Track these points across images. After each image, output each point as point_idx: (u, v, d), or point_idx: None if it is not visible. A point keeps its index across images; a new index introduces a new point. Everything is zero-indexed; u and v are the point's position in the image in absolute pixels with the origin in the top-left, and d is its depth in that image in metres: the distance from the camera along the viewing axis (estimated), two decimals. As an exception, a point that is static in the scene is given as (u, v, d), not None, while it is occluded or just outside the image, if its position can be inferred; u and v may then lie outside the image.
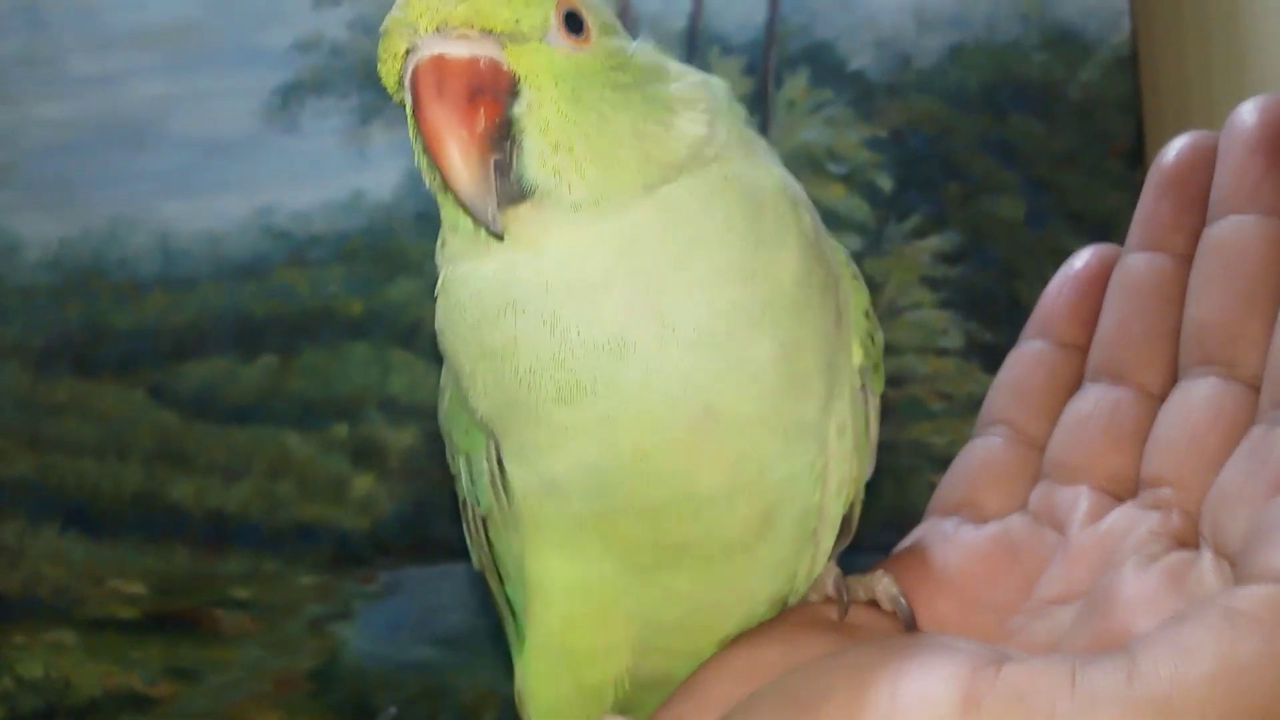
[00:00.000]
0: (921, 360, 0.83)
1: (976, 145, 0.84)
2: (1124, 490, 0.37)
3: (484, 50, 0.36)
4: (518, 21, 0.36)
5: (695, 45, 0.87)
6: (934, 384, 0.83)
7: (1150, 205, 0.39)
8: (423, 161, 0.38)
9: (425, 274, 0.84)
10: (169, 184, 0.89)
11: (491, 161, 0.36)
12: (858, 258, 0.87)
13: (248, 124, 0.88)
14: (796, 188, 0.41)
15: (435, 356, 0.85)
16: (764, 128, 0.86)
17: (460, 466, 0.44)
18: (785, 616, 0.39)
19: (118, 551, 0.84)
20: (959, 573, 0.39)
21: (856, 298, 0.42)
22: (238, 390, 0.85)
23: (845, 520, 0.43)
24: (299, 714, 0.82)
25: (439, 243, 0.43)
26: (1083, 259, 0.41)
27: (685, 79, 0.39)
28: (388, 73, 0.38)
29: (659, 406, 0.36)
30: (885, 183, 0.84)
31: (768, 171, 0.39)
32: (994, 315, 0.83)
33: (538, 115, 0.36)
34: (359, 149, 0.87)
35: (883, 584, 0.39)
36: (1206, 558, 0.32)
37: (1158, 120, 0.85)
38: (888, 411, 0.84)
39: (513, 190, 0.36)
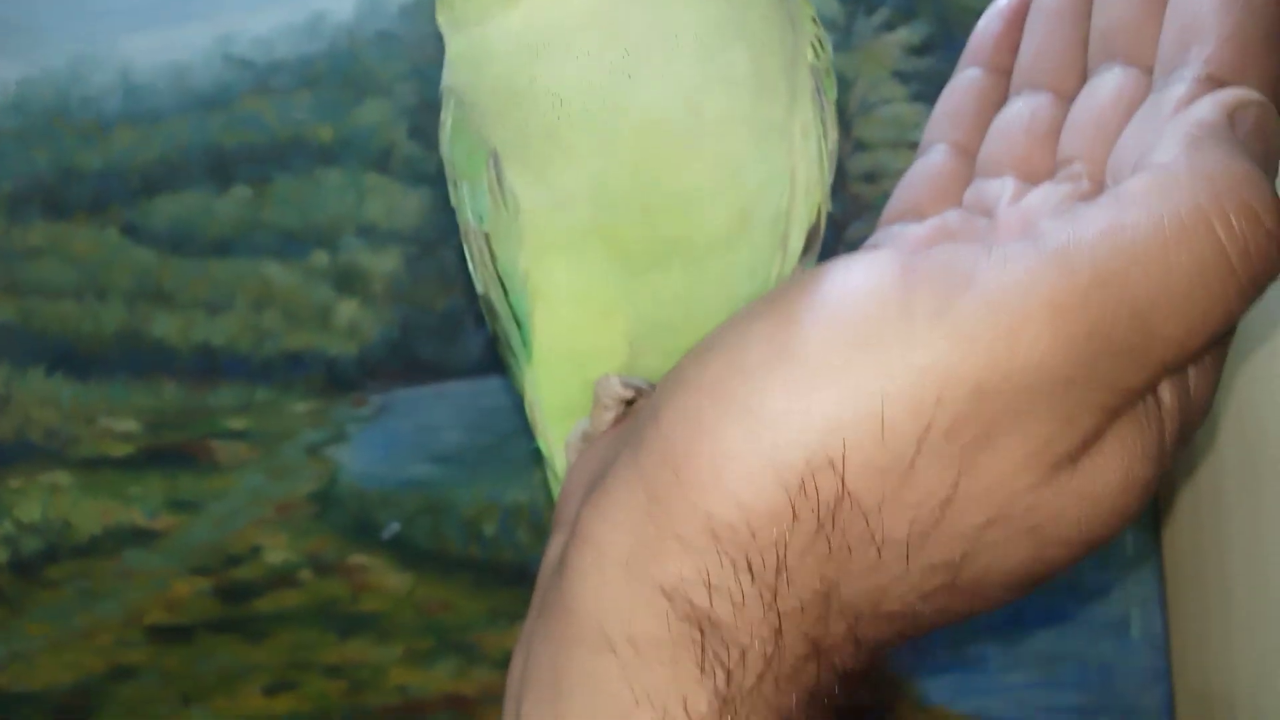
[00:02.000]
0: (895, 156, 0.84)
1: (944, -67, 0.83)
2: (1044, 177, 0.43)
3: None
4: None
5: None
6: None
7: None
8: None
9: (394, 96, 0.84)
10: (129, 18, 0.87)
11: None
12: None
13: (203, -50, 0.86)
14: None
15: (410, 180, 0.85)
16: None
17: (462, 194, 0.46)
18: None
19: (107, 390, 0.84)
20: None
21: (804, 5, 0.45)
22: (213, 223, 0.85)
23: (813, 230, 0.47)
24: (303, 536, 0.83)
25: (439, 17, 0.43)
26: (1004, 3, 0.46)
27: None
28: None
29: (660, 116, 0.39)
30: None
31: None
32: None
33: None
34: (318, -30, 0.85)
35: None
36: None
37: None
38: (863, 209, 0.85)
39: None
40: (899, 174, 0.85)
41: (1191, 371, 0.36)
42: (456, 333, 0.83)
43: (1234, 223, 0.32)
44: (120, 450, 0.84)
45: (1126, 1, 0.41)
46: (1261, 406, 0.80)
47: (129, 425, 0.84)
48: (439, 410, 0.82)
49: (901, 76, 0.84)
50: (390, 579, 0.83)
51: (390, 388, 0.83)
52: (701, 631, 0.34)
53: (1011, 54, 0.46)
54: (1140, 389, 0.34)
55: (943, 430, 0.33)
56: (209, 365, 0.84)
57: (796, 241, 0.45)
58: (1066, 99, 0.43)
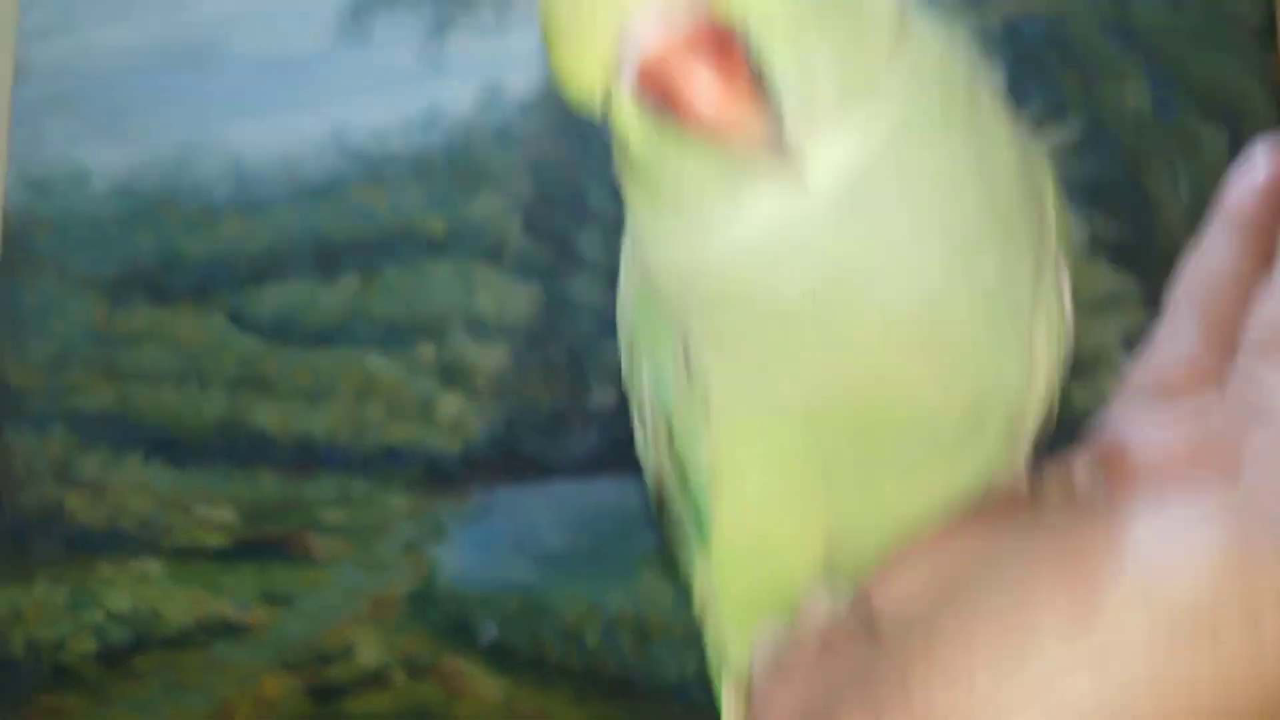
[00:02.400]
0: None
1: (1096, 29, 0.81)
2: None
3: (696, 4, 0.33)
4: None
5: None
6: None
7: None
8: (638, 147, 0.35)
9: (506, 189, 0.83)
10: (238, 105, 0.87)
11: (764, 104, 0.33)
12: None
13: (317, 39, 0.86)
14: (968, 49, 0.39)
15: (521, 274, 0.84)
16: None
17: (640, 368, 0.42)
18: (981, 507, 0.38)
19: (203, 479, 0.82)
20: (1161, 459, 0.37)
21: (1048, 181, 0.41)
22: (318, 313, 0.84)
23: (1049, 412, 0.42)
24: (397, 635, 0.81)
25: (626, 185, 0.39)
26: (1267, 163, 0.41)
27: None
28: (583, 81, 0.34)
29: (897, 322, 0.35)
30: (1000, 75, 0.82)
31: (954, 43, 0.37)
32: (1120, 208, 0.80)
33: (773, 41, 0.33)
34: (434, 62, 0.85)
35: (1080, 472, 0.37)
36: None
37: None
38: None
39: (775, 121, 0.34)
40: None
41: None
42: (562, 431, 0.81)
43: None
44: (214, 540, 0.82)
45: None
46: None
47: (225, 515, 0.82)
48: (541, 510, 0.80)
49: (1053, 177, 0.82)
50: (485, 685, 0.80)
51: (492, 485, 0.81)
52: None
53: (1271, 223, 0.40)
54: None
55: None
56: (308, 456, 0.82)
57: (1028, 439, 0.40)
58: None
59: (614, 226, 0.88)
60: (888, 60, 0.35)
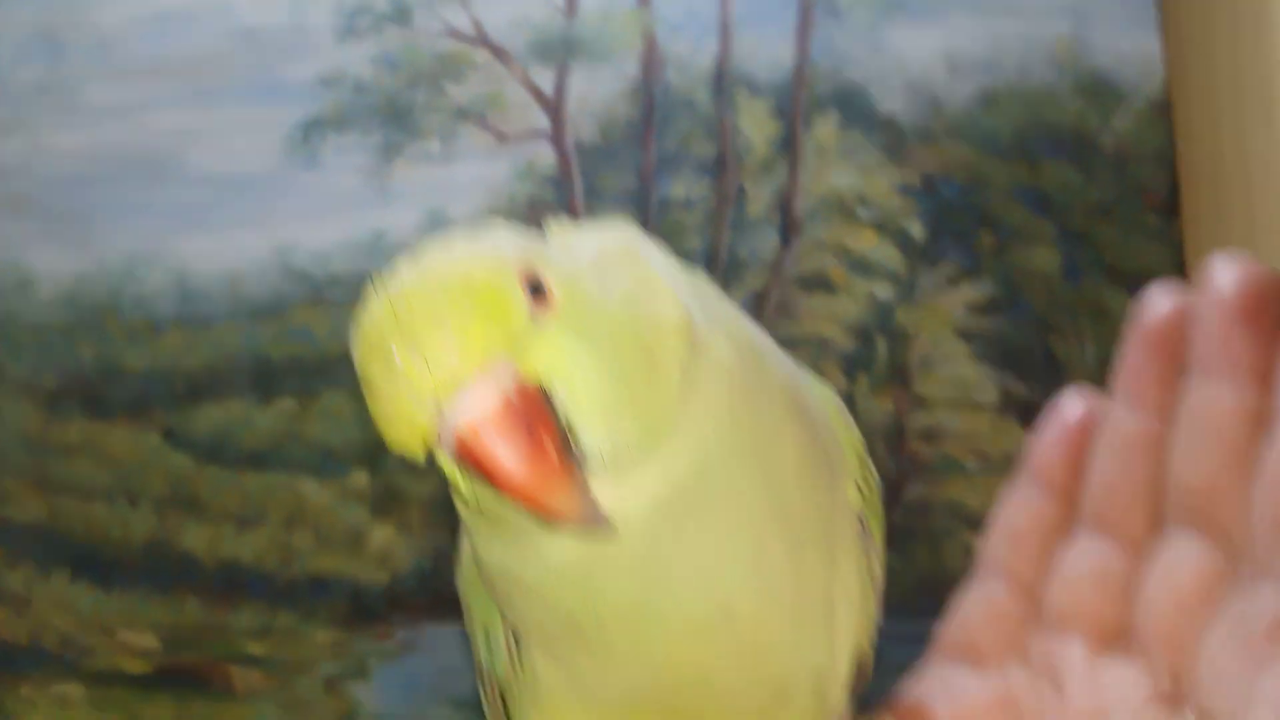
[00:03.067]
0: (954, 415, 0.82)
1: (1010, 194, 0.83)
2: (1115, 639, 0.39)
3: (504, 378, 0.36)
4: (511, 326, 0.36)
5: (722, 86, 0.85)
6: (968, 441, 0.81)
7: (1133, 362, 0.40)
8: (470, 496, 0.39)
9: (448, 319, 0.83)
10: (187, 219, 0.87)
11: (578, 474, 0.36)
12: (890, 307, 0.88)
13: (268, 159, 0.86)
14: (766, 345, 0.42)
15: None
16: (793, 172, 0.84)
17: (478, 634, 0.45)
18: None
19: (128, 601, 0.82)
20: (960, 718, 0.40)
21: (848, 437, 0.43)
22: (254, 435, 0.83)
23: (860, 669, 0.45)
24: (312, 776, 0.80)
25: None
26: (1072, 410, 0.42)
27: (622, 258, 0.39)
28: (404, 443, 0.39)
29: (694, 624, 0.38)
30: (917, 230, 0.83)
31: (743, 356, 0.40)
32: (1030, 369, 0.81)
33: (578, 393, 0.36)
34: (381, 187, 0.85)
35: None
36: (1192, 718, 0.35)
37: (1192, 171, 0.83)
38: (922, 470, 0.82)
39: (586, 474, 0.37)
40: (958, 435, 0.83)
41: None
42: (491, 569, 0.80)
43: None
44: (135, 666, 0.81)
45: (1207, 462, 0.38)
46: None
47: (147, 640, 0.81)
48: (465, 650, 0.79)
49: (964, 335, 0.82)
50: (399, 835, 0.79)
51: (418, 622, 0.81)
52: None
53: (1074, 476, 0.42)
54: None
55: None
56: (233, 582, 0.81)
57: (836, 697, 0.43)
58: (1137, 547, 0.40)
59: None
60: (682, 398, 0.37)
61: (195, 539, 0.82)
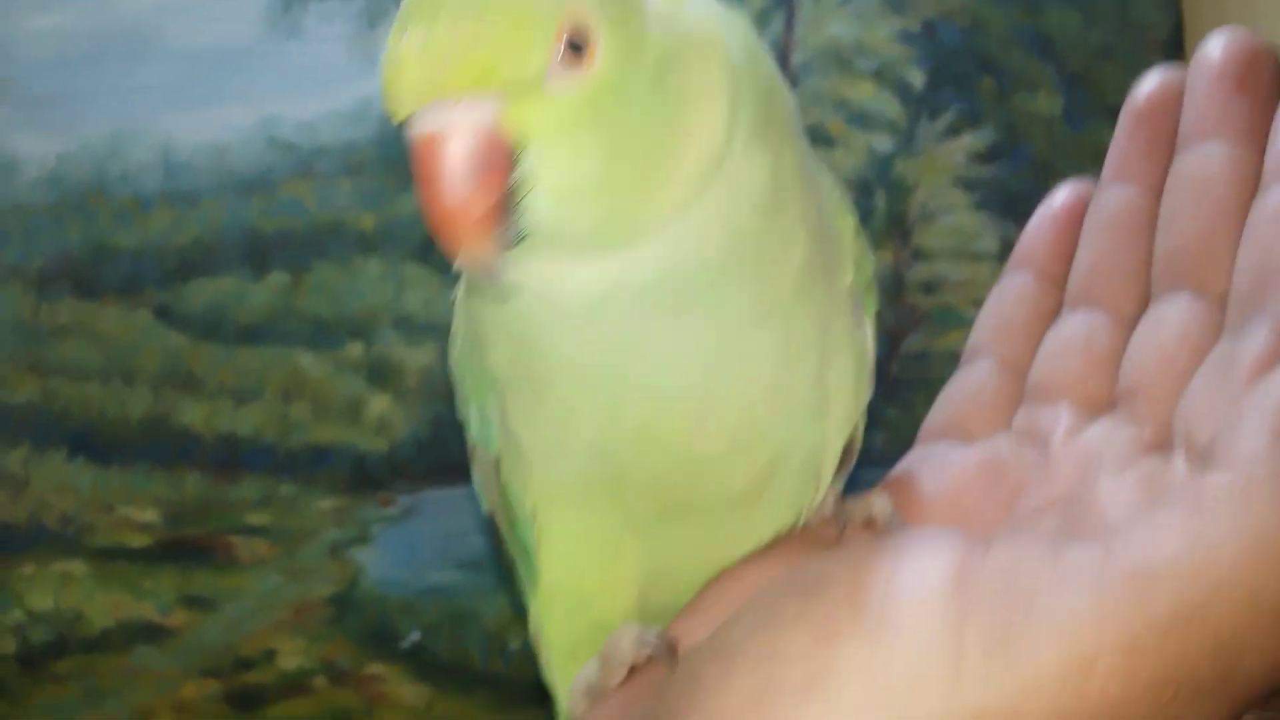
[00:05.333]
0: (955, 266, 0.80)
1: (1012, 38, 0.81)
2: (1102, 407, 0.40)
3: (483, 116, 0.34)
4: (517, 71, 0.34)
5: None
6: (968, 290, 0.80)
7: (1123, 140, 0.41)
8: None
9: (438, 185, 0.82)
10: (170, 96, 0.85)
11: (499, 232, 0.36)
12: (888, 159, 0.86)
13: (249, 31, 0.85)
14: (804, 145, 0.41)
15: (450, 272, 0.82)
16: (790, 22, 0.82)
17: (471, 413, 0.45)
18: (788, 538, 0.42)
19: (127, 478, 0.81)
20: (949, 491, 0.41)
21: (844, 221, 0.43)
22: (247, 309, 0.82)
23: (848, 447, 0.44)
24: (319, 642, 0.80)
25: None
26: (1061, 196, 0.44)
27: (703, 55, 0.37)
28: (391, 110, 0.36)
29: (664, 390, 0.38)
30: (916, 79, 0.81)
31: (779, 159, 0.39)
32: (1029, 217, 0.79)
33: (545, 172, 0.35)
34: (366, 55, 0.83)
35: (878, 504, 0.41)
36: (1179, 458, 0.34)
37: (1196, 11, 0.82)
38: (922, 321, 0.81)
39: (515, 237, 0.36)
40: (958, 285, 0.82)
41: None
42: (490, 433, 0.80)
43: None
44: (137, 541, 0.81)
45: (1194, 218, 0.38)
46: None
47: (148, 516, 0.81)
48: (466, 513, 0.79)
49: (965, 184, 0.81)
50: (407, 691, 0.79)
51: (418, 488, 0.80)
52: None
53: (1063, 261, 0.43)
54: (1230, 716, 0.30)
55: None
56: (232, 456, 0.81)
57: (829, 474, 0.43)
58: (1126, 320, 0.40)
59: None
60: (684, 205, 0.36)
61: (192, 414, 0.81)
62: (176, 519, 0.80)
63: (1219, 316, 0.36)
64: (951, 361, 0.78)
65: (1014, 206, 0.80)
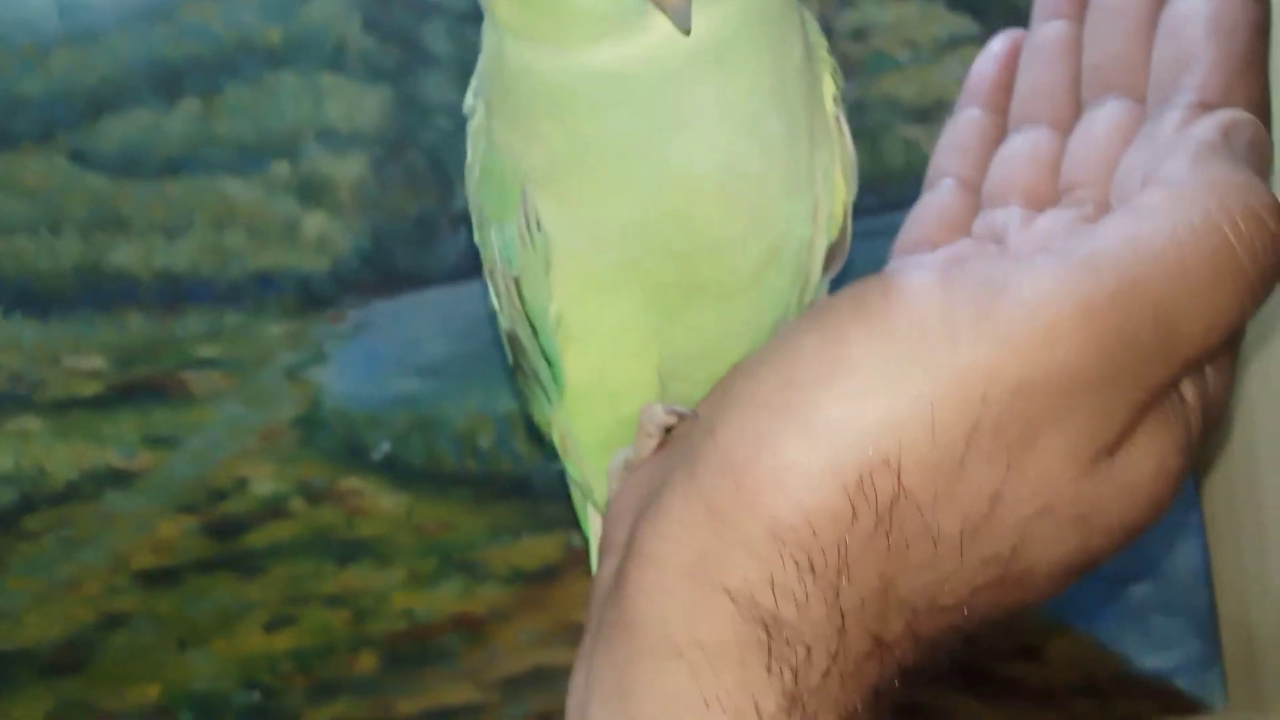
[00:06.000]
0: (881, 8, 0.79)
1: None
2: (1049, 203, 0.46)
3: None
4: None
5: None
6: (898, 31, 0.78)
7: None
8: None
9: (344, -13, 0.79)
10: (54, -70, 0.81)
11: None
12: None
13: None
14: None
15: (369, 77, 0.80)
16: None
17: (489, 237, 0.48)
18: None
19: (69, 328, 0.79)
20: None
21: (818, 39, 0.48)
22: (164, 142, 0.80)
23: (834, 249, 0.49)
24: (290, 464, 0.79)
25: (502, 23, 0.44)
26: (999, 42, 0.51)
27: None
28: None
29: (699, 172, 0.42)
30: None
31: None
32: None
33: None
34: None
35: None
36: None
37: None
38: (854, 69, 0.80)
39: None
40: (888, 28, 0.81)
41: (1209, 371, 0.39)
42: (432, 238, 0.78)
43: (1241, 226, 0.36)
44: (89, 389, 0.80)
45: (1116, 36, 0.45)
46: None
47: (96, 363, 0.80)
48: (421, 321, 0.78)
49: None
50: (385, 501, 0.79)
51: (368, 301, 0.79)
52: (768, 632, 0.36)
53: (1008, 92, 0.50)
54: (1166, 385, 0.37)
55: (990, 428, 0.35)
56: (173, 292, 0.79)
57: (818, 266, 0.48)
58: (1064, 131, 0.47)
59: (461, 18, 0.85)
60: None
61: (125, 256, 0.80)
62: (125, 362, 0.79)
63: (1143, 111, 0.44)
64: (886, 107, 0.78)
65: (936, -57, 0.78)
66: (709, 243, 0.43)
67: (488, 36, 0.46)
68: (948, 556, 0.36)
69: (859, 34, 0.78)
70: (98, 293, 0.79)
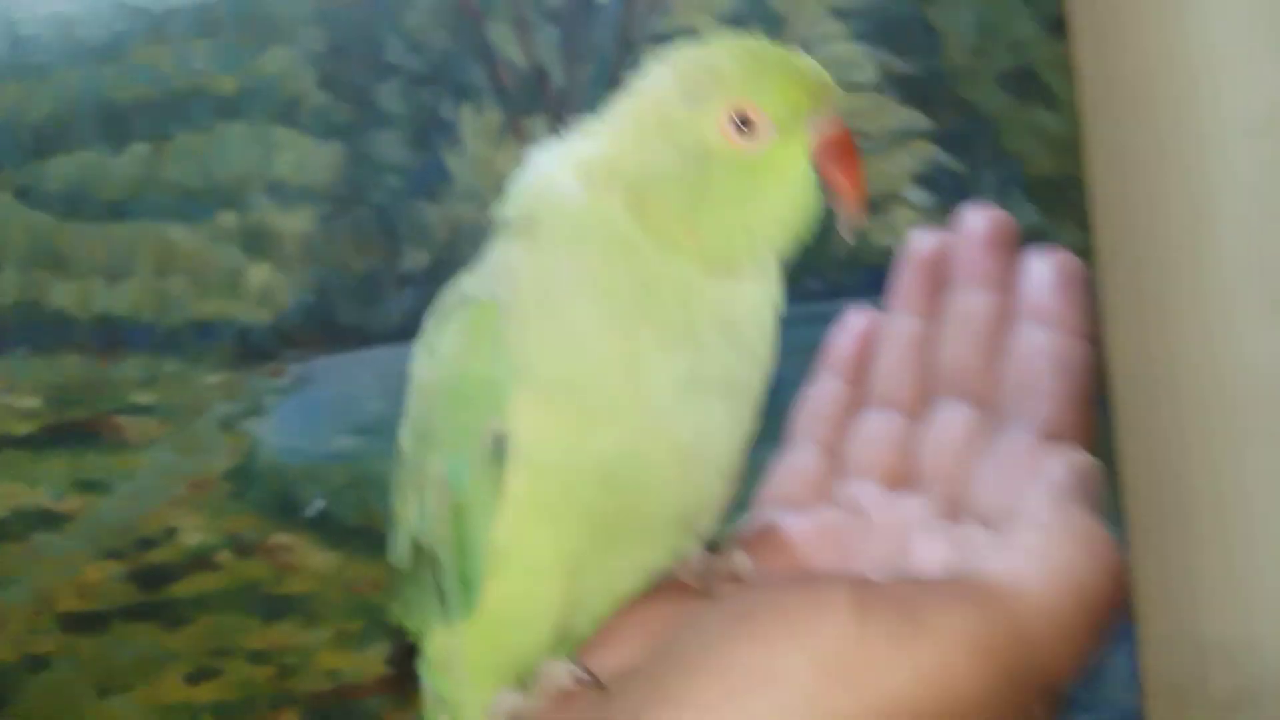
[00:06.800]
0: (835, 96, 0.80)
1: None
2: (902, 482, 0.51)
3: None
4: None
5: None
6: (850, 121, 0.80)
7: (905, 281, 0.54)
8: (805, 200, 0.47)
9: (299, 42, 0.79)
10: (4, -35, 0.81)
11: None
12: None
13: (84, -110, 0.81)
14: None
15: (320, 132, 0.81)
16: None
17: (432, 470, 0.50)
18: (666, 586, 0.49)
19: (5, 365, 0.79)
20: (796, 548, 0.51)
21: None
22: (110, 184, 0.80)
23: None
24: (220, 516, 0.79)
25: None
26: (858, 320, 0.55)
27: None
28: (786, 106, 0.46)
29: (689, 430, 0.47)
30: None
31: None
32: (908, 44, 0.79)
33: None
34: (209, -90, 0.80)
35: (739, 561, 0.49)
36: (974, 525, 0.46)
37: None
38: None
39: None
40: (840, 115, 0.82)
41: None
42: (376, 296, 0.79)
43: (1096, 574, 0.42)
44: (22, 429, 0.79)
45: (968, 347, 0.51)
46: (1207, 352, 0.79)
47: (30, 402, 0.79)
48: (361, 378, 0.78)
49: (839, 13, 0.80)
50: (316, 558, 0.79)
51: (308, 356, 0.79)
52: None
53: (863, 368, 0.54)
54: (1027, 711, 0.41)
55: None
56: (111, 336, 0.79)
57: (708, 525, 0.51)
58: (915, 418, 0.52)
59: (414, 80, 0.85)
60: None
61: (65, 296, 0.79)
62: (60, 403, 0.79)
63: (988, 418, 0.49)
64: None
65: (890, 34, 0.80)
66: (658, 489, 0.47)
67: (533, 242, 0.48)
68: None
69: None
70: (35, 331, 0.79)
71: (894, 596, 0.42)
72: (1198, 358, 0.81)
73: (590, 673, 0.46)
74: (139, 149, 0.79)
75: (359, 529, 0.80)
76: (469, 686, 0.50)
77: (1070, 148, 0.79)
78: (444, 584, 0.50)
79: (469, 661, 0.50)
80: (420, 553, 0.51)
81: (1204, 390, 0.82)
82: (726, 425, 0.49)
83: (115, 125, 0.79)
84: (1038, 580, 0.42)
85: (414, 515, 0.51)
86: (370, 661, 0.80)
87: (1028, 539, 0.43)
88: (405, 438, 0.52)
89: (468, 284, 0.49)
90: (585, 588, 0.48)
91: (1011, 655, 0.41)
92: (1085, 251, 0.79)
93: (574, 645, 0.48)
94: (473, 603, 0.49)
